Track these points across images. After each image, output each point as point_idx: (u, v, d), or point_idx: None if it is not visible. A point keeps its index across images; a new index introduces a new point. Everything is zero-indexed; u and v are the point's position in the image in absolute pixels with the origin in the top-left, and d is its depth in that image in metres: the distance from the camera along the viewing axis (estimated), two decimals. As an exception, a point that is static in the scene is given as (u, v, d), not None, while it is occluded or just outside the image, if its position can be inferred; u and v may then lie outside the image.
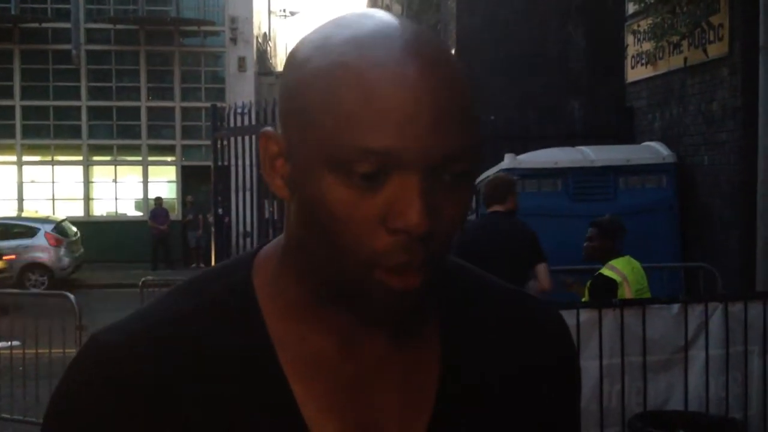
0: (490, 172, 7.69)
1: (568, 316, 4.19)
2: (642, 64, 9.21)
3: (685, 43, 7.91)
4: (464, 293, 0.84)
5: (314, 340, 0.76)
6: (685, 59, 8.05)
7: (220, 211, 11.07)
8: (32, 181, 21.41)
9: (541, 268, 5.09)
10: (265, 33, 24.50)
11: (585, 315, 4.47)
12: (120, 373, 0.74)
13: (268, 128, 0.77)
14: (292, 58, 0.76)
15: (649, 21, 8.04)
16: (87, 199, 21.54)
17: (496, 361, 0.83)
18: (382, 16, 0.75)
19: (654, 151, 8.06)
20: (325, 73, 0.70)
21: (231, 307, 0.78)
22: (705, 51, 7.61)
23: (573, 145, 8.50)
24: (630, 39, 9.37)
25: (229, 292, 0.78)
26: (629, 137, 9.30)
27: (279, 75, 20.55)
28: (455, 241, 0.81)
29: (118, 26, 21.02)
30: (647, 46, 8.77)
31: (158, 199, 19.69)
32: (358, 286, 0.71)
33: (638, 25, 8.95)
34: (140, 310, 0.82)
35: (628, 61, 9.65)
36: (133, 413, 0.74)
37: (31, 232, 15.84)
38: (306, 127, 0.71)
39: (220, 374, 0.75)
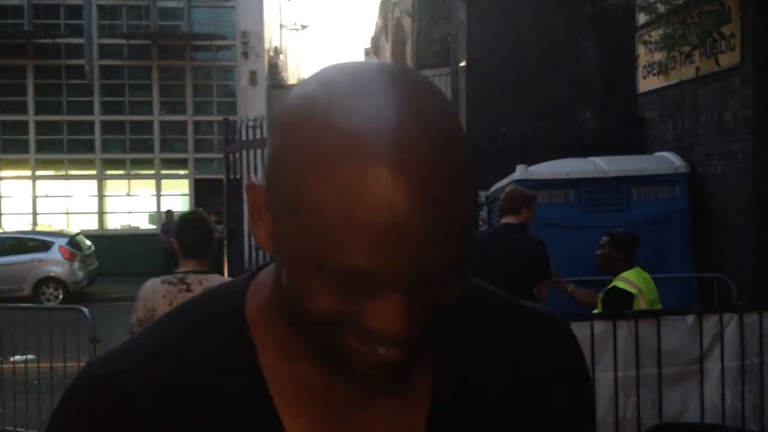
0: (502, 184, 7.68)
1: (582, 328, 4.18)
2: (654, 74, 9.19)
3: (696, 53, 7.89)
4: (461, 308, 0.81)
5: (302, 372, 0.76)
6: (697, 69, 8.03)
7: (232, 224, 11.10)
8: (46, 195, 21.53)
9: (543, 287, 5.05)
10: (276, 47, 24.60)
11: (599, 327, 4.45)
12: (112, 407, 0.75)
13: (255, 181, 0.75)
14: (279, 116, 0.71)
15: (661, 31, 8.03)
16: (101, 212, 21.64)
17: (494, 376, 0.81)
18: (376, 87, 0.67)
19: (666, 161, 8.04)
20: (304, 163, 0.65)
21: (222, 337, 0.77)
22: (717, 61, 7.59)
23: (584, 156, 8.48)
24: (641, 49, 9.35)
25: (220, 321, 0.78)
26: (641, 148, 9.27)
27: (291, 88, 20.64)
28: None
29: (131, 41, 21.16)
30: (659, 56, 8.75)
31: (169, 213, 19.74)
32: (331, 348, 0.70)
33: (649, 36, 8.94)
34: (134, 339, 0.82)
35: (640, 72, 9.64)
36: None
37: (45, 246, 15.92)
38: (288, 211, 0.67)
39: (209, 405, 0.75)
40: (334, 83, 0.68)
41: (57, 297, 15.56)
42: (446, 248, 0.65)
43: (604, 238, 5.01)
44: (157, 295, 3.49)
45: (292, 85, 20.66)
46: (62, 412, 0.78)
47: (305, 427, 0.75)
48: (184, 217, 4.15)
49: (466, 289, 0.83)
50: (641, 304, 4.75)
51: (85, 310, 6.41)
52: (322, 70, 0.71)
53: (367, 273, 0.64)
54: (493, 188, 8.26)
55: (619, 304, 4.66)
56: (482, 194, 8.72)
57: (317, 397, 0.76)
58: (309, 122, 0.66)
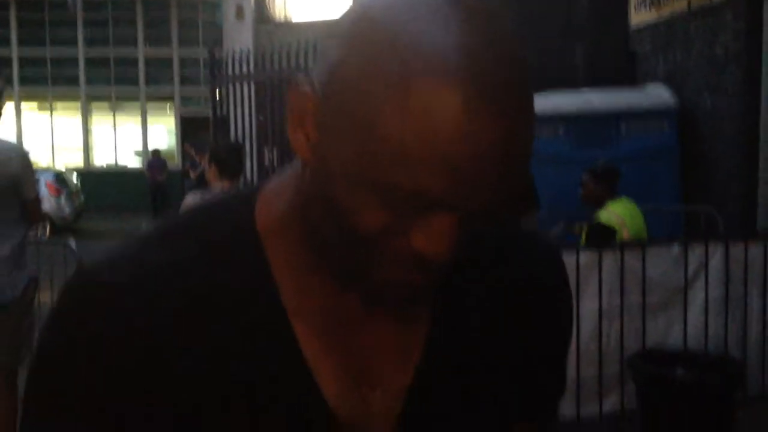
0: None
1: (568, 258, 4.19)
2: (646, 8, 9.09)
3: (689, -14, 7.80)
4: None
5: (314, 285, 0.75)
6: (689, 3, 7.94)
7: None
8: (31, 131, 21.32)
9: (530, 217, 5.06)
10: (263, -19, 24.13)
11: (585, 257, 4.48)
12: (118, 320, 0.70)
13: (304, 79, 0.69)
14: (342, 26, 0.67)
15: (654, -37, 7.91)
16: (86, 149, 21.47)
17: (487, 292, 0.82)
18: (444, 4, 0.63)
19: (657, 95, 7.99)
20: (374, 81, 0.62)
21: (235, 249, 0.75)
22: (709, -6, 7.50)
23: (576, 89, 8.42)
24: (634, -17, 9.24)
25: (231, 233, 0.75)
26: (632, 83, 9.21)
27: (278, 24, 20.33)
28: None
29: (114, -27, 20.75)
30: (651, -11, 8.65)
31: (156, 151, 19.64)
32: (361, 266, 0.68)
33: (642, -31, 8.81)
34: (137, 245, 0.75)
35: (632, 6, 9.53)
36: (132, 362, 0.70)
37: (30, 182, 15.78)
38: (349, 127, 0.64)
39: (221, 315, 0.73)
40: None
41: (44, 233, 15.51)
42: (516, 178, 0.65)
43: (584, 176, 5.07)
44: None
45: (280, 21, 20.40)
46: (56, 325, 0.72)
47: (315, 337, 0.75)
48: (220, 142, 4.50)
49: None
50: (624, 237, 4.79)
51: (72, 243, 6.38)
52: None
53: (435, 198, 0.63)
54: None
55: (600, 241, 4.70)
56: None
57: (327, 311, 0.75)
58: (380, 38, 0.63)
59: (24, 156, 3.98)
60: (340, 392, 0.75)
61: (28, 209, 3.99)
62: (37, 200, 4.09)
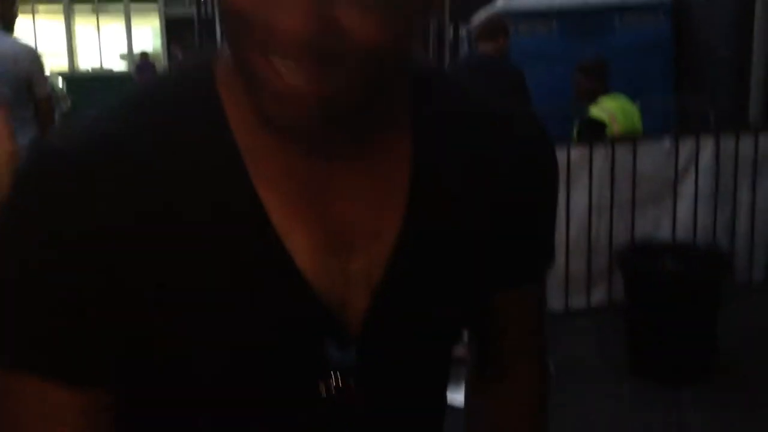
0: (481, 15, 7.48)
1: (559, 153, 4.17)
2: None
3: None
4: (441, 101, 0.78)
5: (278, 149, 0.71)
6: None
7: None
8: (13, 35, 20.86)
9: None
10: None
11: (576, 152, 4.46)
12: (76, 187, 0.66)
13: None
14: None
15: None
16: (71, 53, 21.07)
17: (470, 163, 0.78)
18: None
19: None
20: None
21: (196, 116, 0.71)
22: None
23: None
24: None
25: (192, 101, 0.71)
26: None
27: None
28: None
29: None
30: None
31: (144, 53, 19.30)
32: (251, 70, 0.63)
33: None
34: (95, 117, 0.71)
35: None
36: (82, 230, 0.66)
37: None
38: None
39: (184, 182, 0.69)
40: None
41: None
42: None
43: (577, 74, 5.04)
44: None
45: None
46: (14, 197, 0.68)
47: (283, 204, 0.71)
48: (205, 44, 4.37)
49: (449, 86, 0.80)
50: (614, 132, 4.78)
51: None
52: None
53: None
54: (474, 20, 8.05)
55: (591, 135, 4.69)
56: (463, 28, 8.51)
57: (291, 174, 0.71)
58: None
59: (35, 54, 4.09)
60: (314, 262, 0.71)
61: (41, 109, 4.06)
62: (50, 99, 4.16)
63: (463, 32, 8.63)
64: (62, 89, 17.06)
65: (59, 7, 20.82)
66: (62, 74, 18.74)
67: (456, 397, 1.36)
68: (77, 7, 21.06)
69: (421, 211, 0.75)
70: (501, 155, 0.80)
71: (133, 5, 20.99)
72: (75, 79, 19.50)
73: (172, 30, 20.55)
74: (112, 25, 21.24)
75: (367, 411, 0.77)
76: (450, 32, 10.77)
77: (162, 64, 20.16)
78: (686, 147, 4.63)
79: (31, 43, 4.63)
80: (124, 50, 21.18)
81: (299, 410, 0.74)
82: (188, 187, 0.69)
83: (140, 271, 0.68)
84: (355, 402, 0.75)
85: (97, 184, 0.67)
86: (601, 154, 4.50)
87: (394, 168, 0.75)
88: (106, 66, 21.33)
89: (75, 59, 21.23)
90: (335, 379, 0.74)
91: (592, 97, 4.97)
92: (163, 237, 0.68)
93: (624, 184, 4.54)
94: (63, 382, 0.68)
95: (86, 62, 21.37)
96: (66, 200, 0.66)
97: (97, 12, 21.11)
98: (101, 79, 20.51)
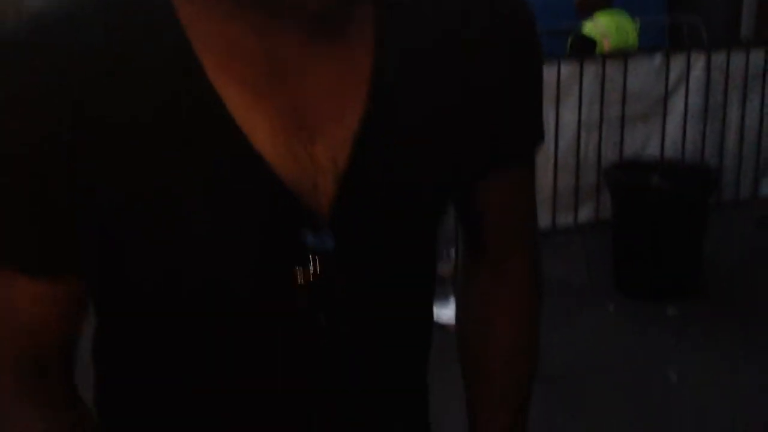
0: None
1: (549, 70, 4.11)
2: None
3: None
4: None
5: (232, 33, 0.67)
6: None
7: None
8: None
9: None
10: None
11: (566, 69, 4.39)
12: (15, 75, 0.64)
13: None
14: None
15: None
16: None
17: (439, 39, 0.74)
18: None
19: None
20: None
21: (140, 4, 0.67)
22: None
23: None
24: None
25: None
26: None
27: None
28: None
29: None
30: None
31: None
32: None
33: None
34: (34, 7, 0.68)
35: None
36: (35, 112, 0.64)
37: None
38: None
39: (128, 68, 0.65)
40: None
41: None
42: None
43: None
44: None
45: None
46: None
47: (239, 91, 0.67)
48: None
49: None
50: (605, 49, 4.71)
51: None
52: None
53: None
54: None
55: (583, 52, 4.62)
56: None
57: (248, 61, 0.67)
58: None
59: None
60: (276, 147, 0.68)
61: None
62: None
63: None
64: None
65: None
66: None
67: (444, 312, 1.35)
68: None
69: (385, 94, 0.72)
70: (472, 28, 0.76)
71: None
72: None
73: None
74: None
75: (348, 298, 0.74)
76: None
77: None
78: (677, 63, 4.57)
79: None
80: None
81: (278, 302, 0.72)
82: (136, 77, 0.65)
83: (86, 144, 0.65)
84: (335, 289, 0.72)
85: (42, 73, 0.64)
86: (591, 71, 4.43)
87: (356, 52, 0.71)
88: None
89: None
90: (313, 266, 0.71)
91: (593, 10, 4.87)
92: (108, 107, 0.65)
93: (614, 101, 4.49)
94: (24, 272, 0.69)
95: None
96: (20, 64, 0.64)
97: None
98: None
